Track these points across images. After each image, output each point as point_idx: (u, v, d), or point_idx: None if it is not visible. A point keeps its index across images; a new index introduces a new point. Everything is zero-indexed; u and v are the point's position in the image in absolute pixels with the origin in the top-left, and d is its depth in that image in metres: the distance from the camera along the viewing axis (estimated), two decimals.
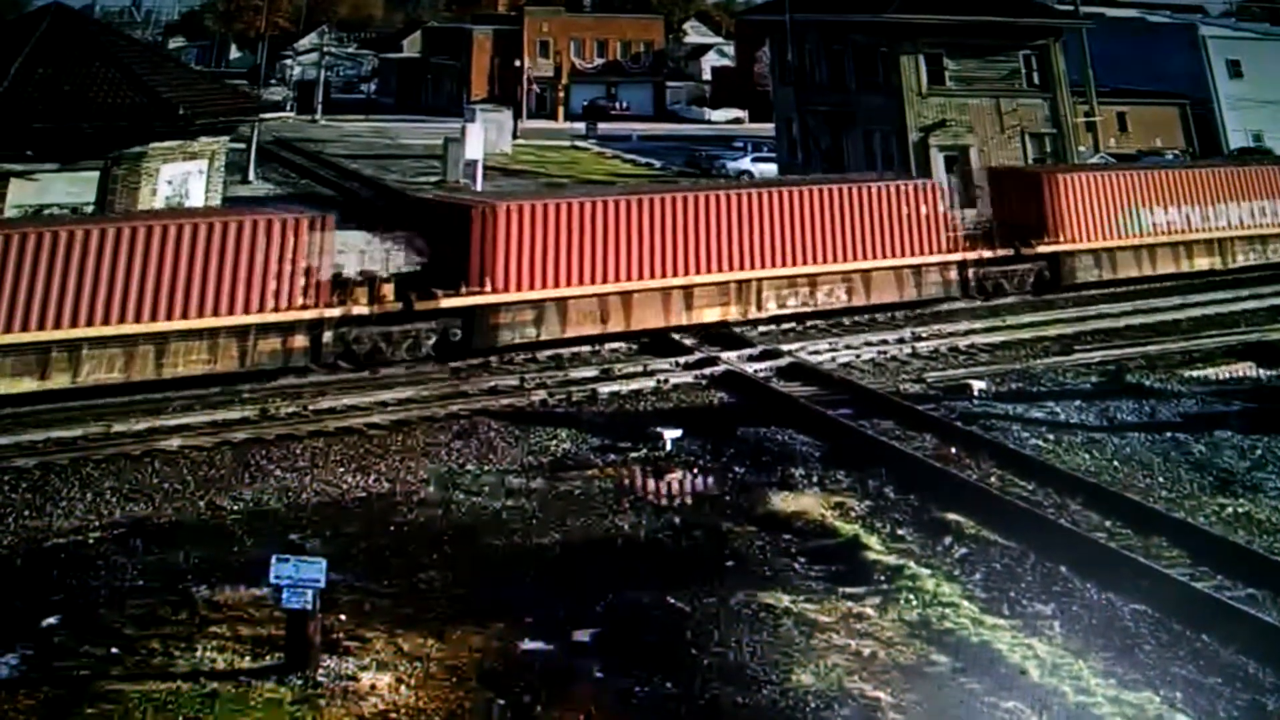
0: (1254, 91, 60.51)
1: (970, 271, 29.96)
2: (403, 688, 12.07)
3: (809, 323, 27.47)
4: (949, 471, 18.05)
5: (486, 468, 18.65)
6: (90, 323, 20.67)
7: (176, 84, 27.95)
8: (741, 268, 26.77)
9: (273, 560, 12.22)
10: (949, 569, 15.02)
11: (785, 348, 25.21)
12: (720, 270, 26.53)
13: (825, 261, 27.74)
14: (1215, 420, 20.97)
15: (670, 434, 19.77)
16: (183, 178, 27.15)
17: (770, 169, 54.10)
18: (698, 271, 26.27)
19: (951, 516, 16.48)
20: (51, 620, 13.36)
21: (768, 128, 61.93)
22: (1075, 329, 27.64)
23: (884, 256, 28.46)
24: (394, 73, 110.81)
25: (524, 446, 19.56)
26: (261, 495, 17.30)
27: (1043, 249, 31.44)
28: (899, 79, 42.89)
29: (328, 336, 22.88)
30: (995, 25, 43.62)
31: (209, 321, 21.68)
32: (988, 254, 30.37)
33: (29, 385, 20.18)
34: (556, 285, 24.75)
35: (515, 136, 67.92)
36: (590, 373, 23.42)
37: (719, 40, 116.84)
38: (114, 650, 12.65)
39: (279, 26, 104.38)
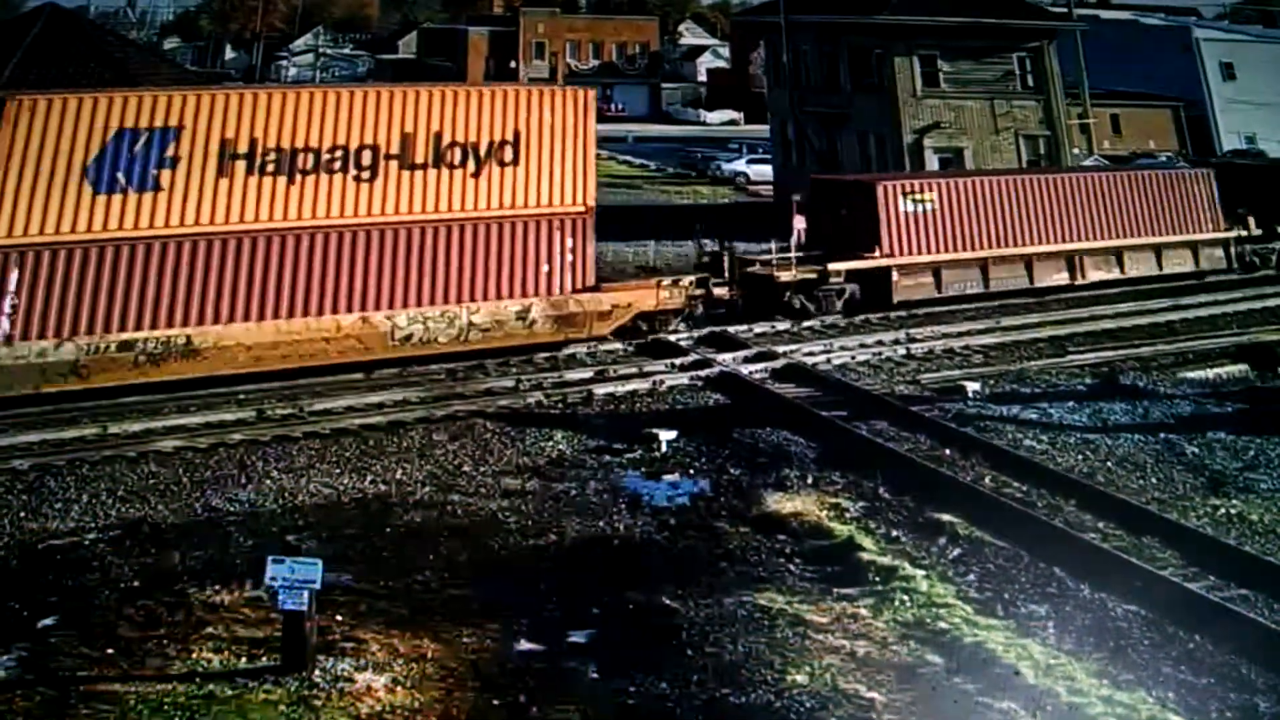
0: (1247, 94, 60.66)
1: None
2: (399, 689, 12.10)
3: (804, 324, 27.58)
4: (943, 473, 18.09)
5: (482, 469, 18.68)
6: (1040, 243, 30.91)
7: (172, 85, 27.96)
8: None
9: (269, 561, 12.23)
10: (943, 570, 15.06)
11: (781, 349, 25.28)
12: None
13: None
14: (1208, 421, 21.05)
15: (666, 435, 19.82)
16: None
17: (765, 170, 54.21)
18: None
19: (946, 517, 16.51)
20: (48, 621, 13.39)
21: (763, 129, 62.00)
22: (1069, 330, 27.72)
23: None
24: (389, 74, 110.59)
25: (520, 448, 19.60)
26: (258, 497, 17.33)
27: None
28: (893, 81, 42.94)
29: (1234, 251, 33.32)
30: (989, 27, 43.69)
31: (1148, 240, 32.31)
32: None
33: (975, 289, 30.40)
34: None
35: None
36: (586, 374, 23.46)
37: (714, 42, 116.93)
38: (110, 651, 12.67)
39: (274, 27, 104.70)
